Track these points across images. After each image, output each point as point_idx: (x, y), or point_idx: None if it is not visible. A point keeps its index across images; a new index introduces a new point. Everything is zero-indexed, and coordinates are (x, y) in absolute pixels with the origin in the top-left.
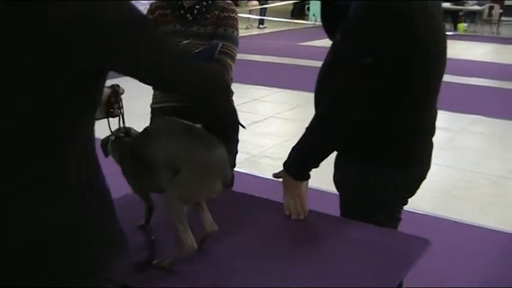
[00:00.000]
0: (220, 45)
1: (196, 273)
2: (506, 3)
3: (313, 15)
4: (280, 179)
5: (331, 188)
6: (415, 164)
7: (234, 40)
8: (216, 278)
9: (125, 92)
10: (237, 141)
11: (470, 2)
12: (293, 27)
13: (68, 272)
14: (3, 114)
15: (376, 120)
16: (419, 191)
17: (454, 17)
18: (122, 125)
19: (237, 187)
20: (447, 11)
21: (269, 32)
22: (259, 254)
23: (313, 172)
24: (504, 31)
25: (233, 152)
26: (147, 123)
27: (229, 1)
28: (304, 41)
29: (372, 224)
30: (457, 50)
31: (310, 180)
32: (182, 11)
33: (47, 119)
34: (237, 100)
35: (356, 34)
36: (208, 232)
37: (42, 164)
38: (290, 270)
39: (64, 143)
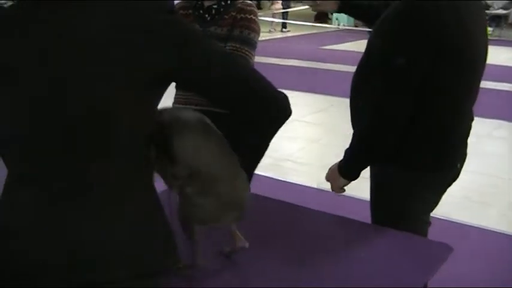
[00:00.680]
0: None
1: (216, 279)
2: None
3: (337, 19)
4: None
5: (361, 194)
6: (447, 167)
7: (249, 42)
8: (238, 283)
9: None
10: None
11: (495, 6)
12: (316, 31)
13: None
14: None
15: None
16: (443, 196)
17: None
18: None
19: (260, 191)
20: None
21: (292, 36)
22: (280, 259)
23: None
24: None
25: None
26: None
27: (249, 1)
28: (327, 45)
29: (405, 230)
30: None
31: (324, 182)
32: (201, 11)
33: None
34: None
35: (391, 37)
36: (238, 247)
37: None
38: (313, 274)
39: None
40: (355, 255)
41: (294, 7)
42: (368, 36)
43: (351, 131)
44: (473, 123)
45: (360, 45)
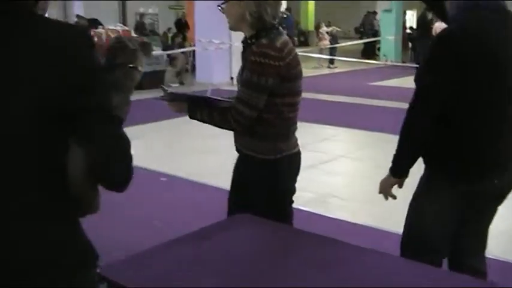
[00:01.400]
0: (225, 103)
1: None
2: None
3: (384, 55)
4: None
5: (390, 226)
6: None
7: (247, 84)
8: None
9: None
10: None
11: None
12: (363, 67)
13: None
14: None
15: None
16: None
17: None
18: None
19: (305, 226)
20: None
21: (339, 72)
22: None
23: (370, 210)
24: None
25: None
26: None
27: (266, 43)
28: (374, 81)
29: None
30: None
31: (369, 219)
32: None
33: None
34: (306, 139)
35: (426, 65)
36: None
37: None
38: None
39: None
40: None
41: (341, 43)
42: (415, 72)
43: None
44: None
45: (407, 81)
